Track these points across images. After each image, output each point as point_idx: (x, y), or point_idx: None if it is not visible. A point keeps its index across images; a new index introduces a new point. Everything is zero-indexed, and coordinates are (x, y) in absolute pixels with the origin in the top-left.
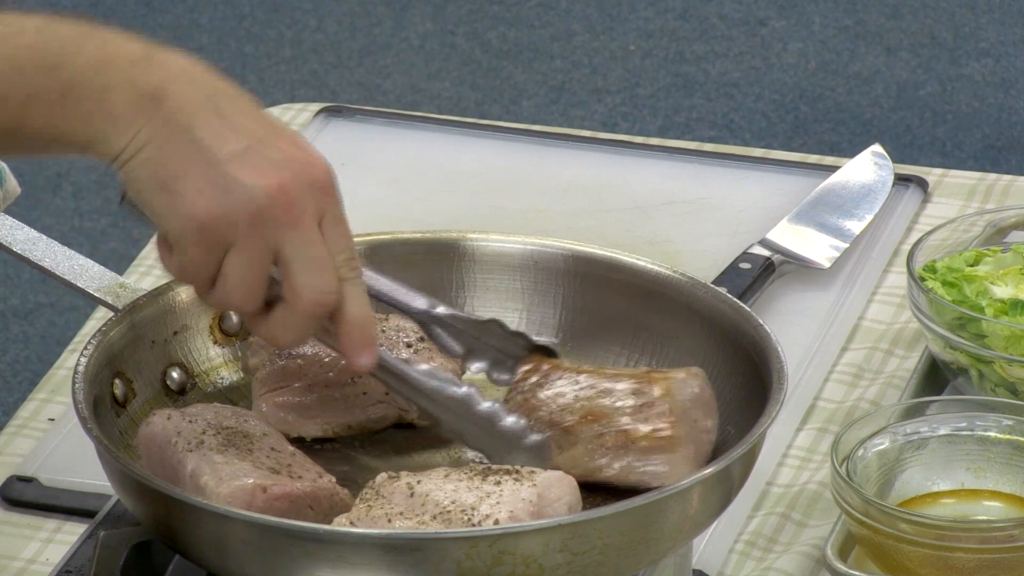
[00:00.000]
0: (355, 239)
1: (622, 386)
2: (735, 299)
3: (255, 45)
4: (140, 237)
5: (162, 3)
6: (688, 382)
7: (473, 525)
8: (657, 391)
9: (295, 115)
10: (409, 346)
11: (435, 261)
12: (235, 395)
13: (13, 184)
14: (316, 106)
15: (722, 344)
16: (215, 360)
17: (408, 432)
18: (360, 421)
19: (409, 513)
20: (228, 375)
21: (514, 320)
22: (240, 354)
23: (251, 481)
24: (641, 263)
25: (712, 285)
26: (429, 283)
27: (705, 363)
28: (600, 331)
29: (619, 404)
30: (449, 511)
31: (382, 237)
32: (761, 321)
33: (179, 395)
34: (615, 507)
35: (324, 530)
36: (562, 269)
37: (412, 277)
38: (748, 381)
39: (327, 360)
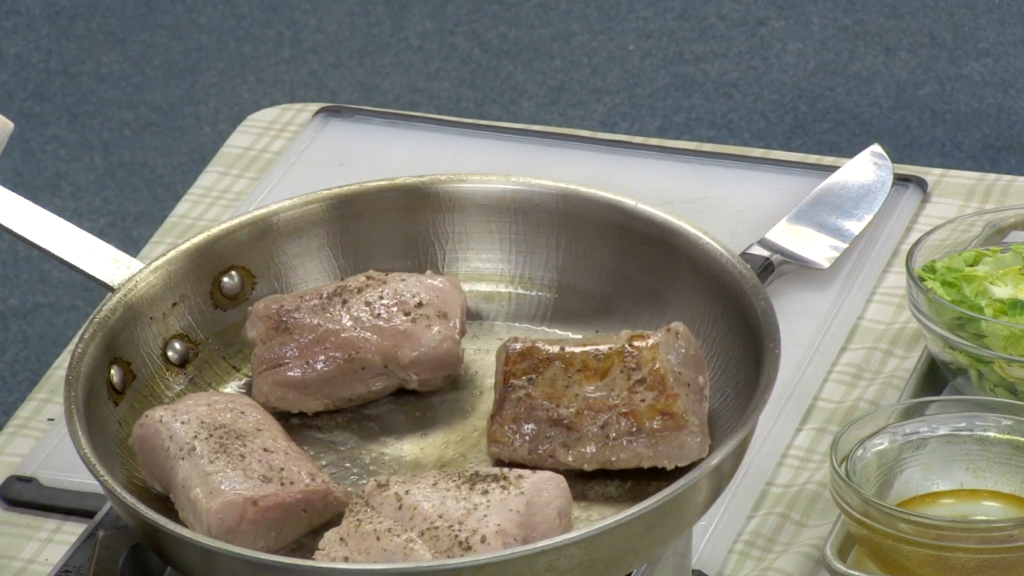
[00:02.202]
0: (323, 195)
1: (608, 365)
2: (750, 270)
3: (254, 45)
4: (139, 238)
5: (162, 3)
6: (671, 342)
7: (460, 542)
8: (646, 363)
9: (295, 115)
10: (407, 314)
11: (411, 211)
12: (239, 360)
13: (2, 119)
14: (315, 106)
15: (718, 305)
16: (217, 326)
17: (409, 399)
18: (360, 394)
19: (397, 528)
20: (232, 339)
21: (506, 270)
22: (241, 319)
23: (242, 497)
24: (645, 209)
25: (729, 250)
26: (409, 235)
27: (703, 325)
28: (591, 284)
29: (613, 388)
30: (436, 527)
31: (351, 189)
32: (770, 303)
33: (180, 368)
34: (600, 525)
35: (311, 567)
36: (553, 211)
37: (389, 230)
38: (746, 342)
39: (325, 334)
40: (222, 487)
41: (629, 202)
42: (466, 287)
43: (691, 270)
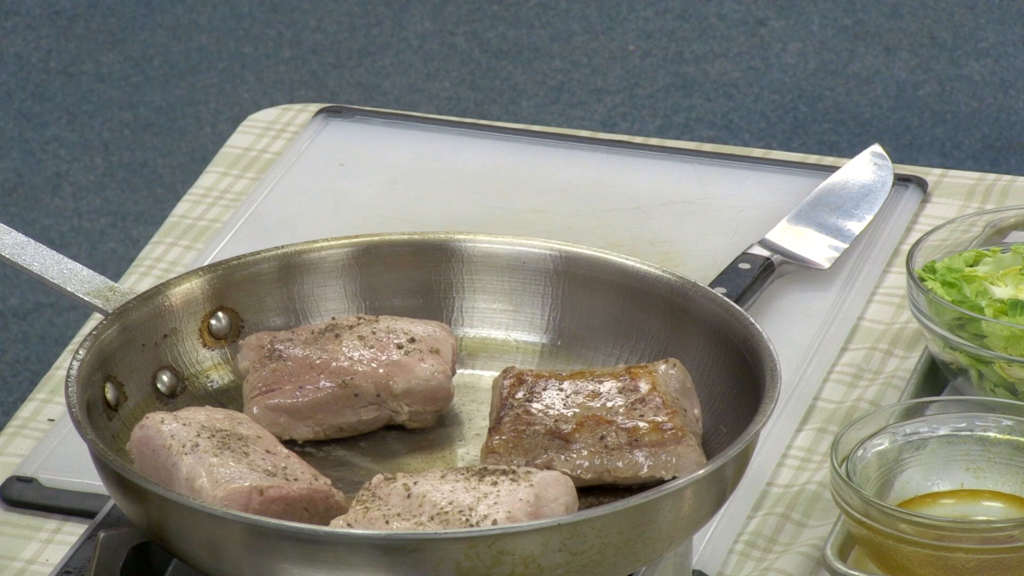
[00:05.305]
0: (344, 241)
1: (607, 386)
2: (725, 298)
3: (254, 45)
4: (139, 238)
5: (162, 3)
6: (670, 373)
7: (471, 525)
8: (645, 386)
9: (295, 115)
10: (400, 347)
11: (424, 262)
12: (225, 398)
13: None
14: (315, 106)
15: (713, 343)
16: (205, 363)
17: (399, 434)
18: (351, 423)
19: (406, 514)
20: (218, 378)
21: (503, 320)
22: (229, 357)
23: (247, 484)
24: (629, 263)
25: (701, 284)
26: (419, 284)
27: (696, 362)
28: (589, 331)
29: (611, 404)
30: (447, 512)
31: (371, 239)
32: (752, 320)
33: (169, 399)
34: (612, 506)
35: (323, 531)
36: (550, 269)
37: (402, 278)
38: (741, 380)
39: (318, 362)
40: (228, 475)
41: (618, 258)
42: (471, 332)
43: (683, 315)
